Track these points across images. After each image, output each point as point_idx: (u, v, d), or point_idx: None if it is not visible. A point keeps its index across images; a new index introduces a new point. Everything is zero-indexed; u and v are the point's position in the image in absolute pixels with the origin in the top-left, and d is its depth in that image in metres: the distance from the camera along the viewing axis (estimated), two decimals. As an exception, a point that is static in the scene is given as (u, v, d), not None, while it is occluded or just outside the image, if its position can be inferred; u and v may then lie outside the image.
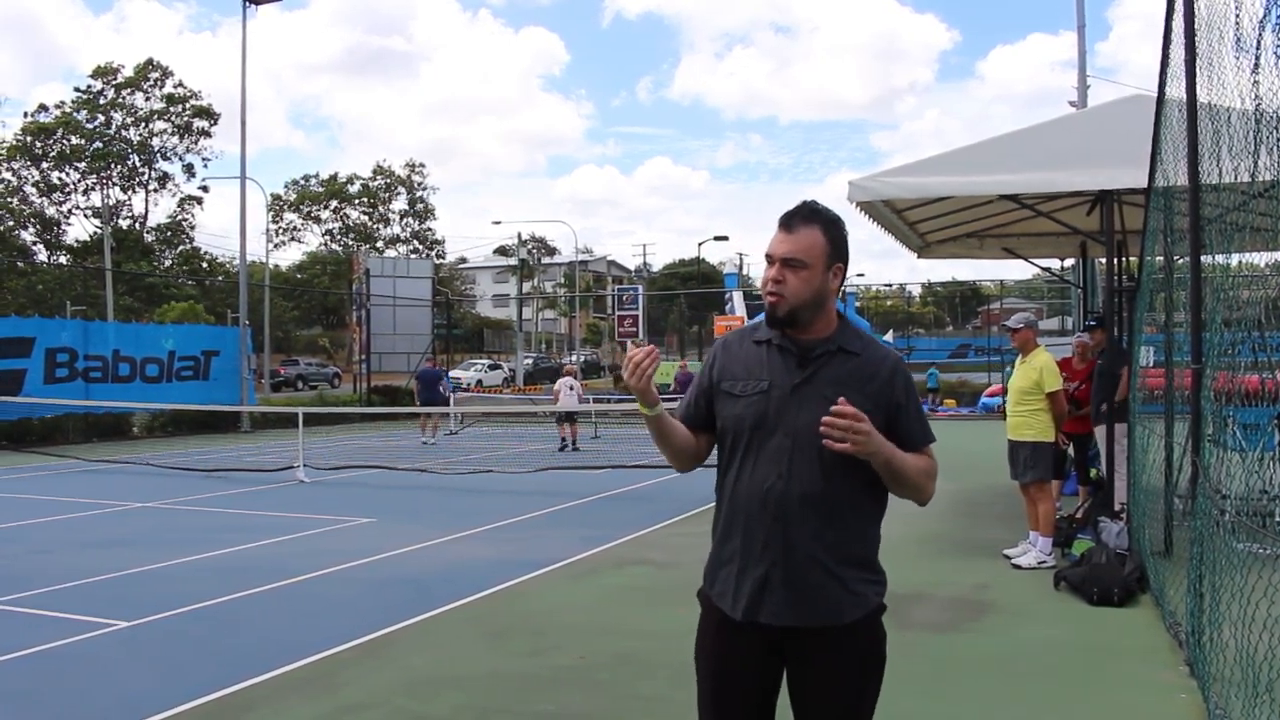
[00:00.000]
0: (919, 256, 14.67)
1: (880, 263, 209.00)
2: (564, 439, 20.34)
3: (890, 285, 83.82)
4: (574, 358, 51.03)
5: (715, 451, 2.89)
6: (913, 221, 12.46)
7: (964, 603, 7.46)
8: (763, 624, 2.67)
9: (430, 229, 72.34)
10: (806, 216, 2.70)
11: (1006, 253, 14.72)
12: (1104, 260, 11.57)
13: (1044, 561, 8.35)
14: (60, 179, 53.79)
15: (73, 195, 54.65)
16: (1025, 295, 77.91)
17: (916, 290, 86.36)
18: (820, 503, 2.63)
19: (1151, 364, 9.42)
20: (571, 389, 21.16)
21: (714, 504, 2.87)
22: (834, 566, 2.67)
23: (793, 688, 2.77)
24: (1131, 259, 11.58)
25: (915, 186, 9.66)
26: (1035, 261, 16.16)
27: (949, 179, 9.50)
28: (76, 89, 54.34)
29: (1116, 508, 9.01)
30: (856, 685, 2.73)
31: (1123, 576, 7.33)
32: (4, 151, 50.93)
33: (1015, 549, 8.65)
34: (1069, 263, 19.66)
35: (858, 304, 39.66)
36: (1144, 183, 7.99)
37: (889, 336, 50.80)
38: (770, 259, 2.71)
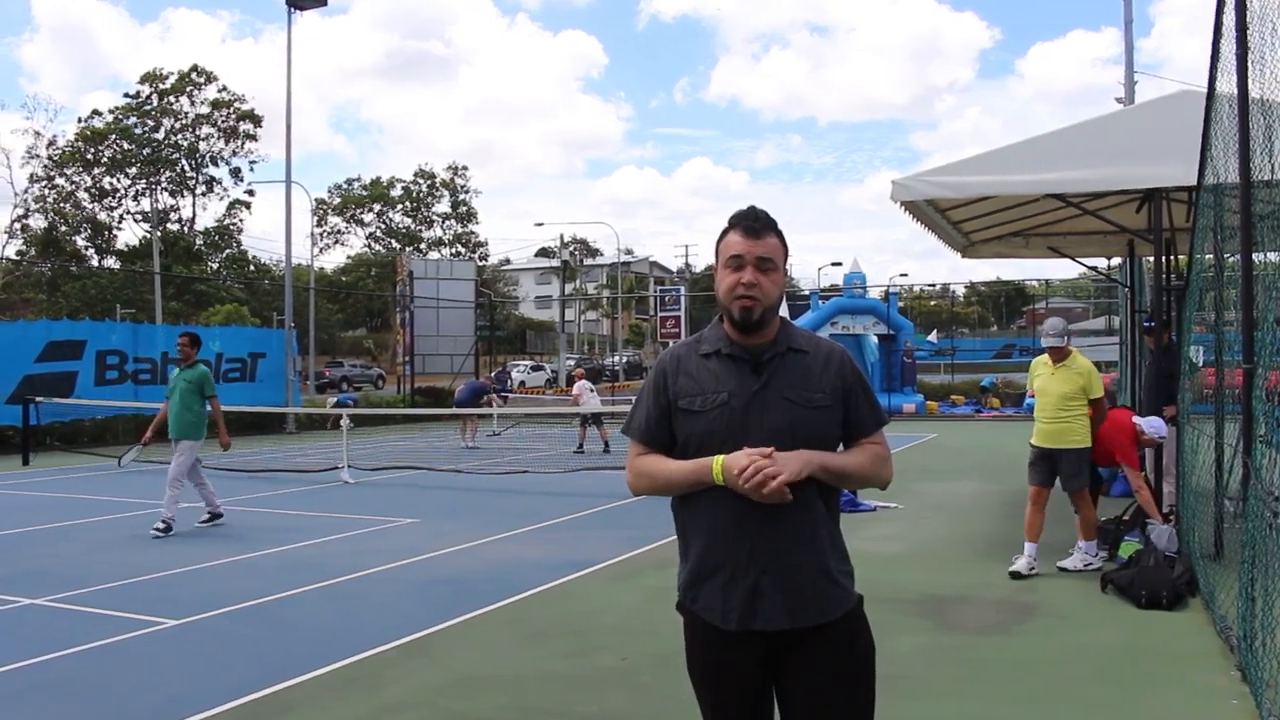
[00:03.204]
0: (963, 256, 14.54)
1: (922, 263, 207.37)
2: (582, 443, 20.40)
3: (933, 285, 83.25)
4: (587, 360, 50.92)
5: None
6: (957, 221, 12.34)
7: (1009, 605, 7.37)
8: (756, 631, 2.68)
9: (473, 231, 72.71)
10: (765, 222, 2.76)
11: (1052, 252, 14.57)
12: (1152, 259, 11.41)
13: (1089, 564, 8.25)
14: (111, 184, 54.64)
15: (123, 200, 55.54)
16: (1071, 295, 77.20)
17: (960, 290, 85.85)
18: (797, 505, 2.63)
19: (1201, 364, 9.26)
20: (592, 391, 21.21)
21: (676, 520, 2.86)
22: (820, 564, 2.71)
23: (789, 690, 2.76)
24: (1180, 257, 11.42)
25: (960, 186, 9.56)
26: (1081, 260, 15.98)
27: (994, 178, 9.39)
28: (126, 95, 55.21)
29: (1165, 510, 8.88)
30: (856, 677, 2.76)
31: (1172, 579, 7.21)
32: (59, 158, 51.71)
33: (1068, 559, 8.45)
34: (1116, 261, 19.39)
35: (900, 304, 39.36)
36: (1193, 180, 7.87)
37: (933, 336, 50.39)
38: (740, 261, 2.71)
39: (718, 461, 2.60)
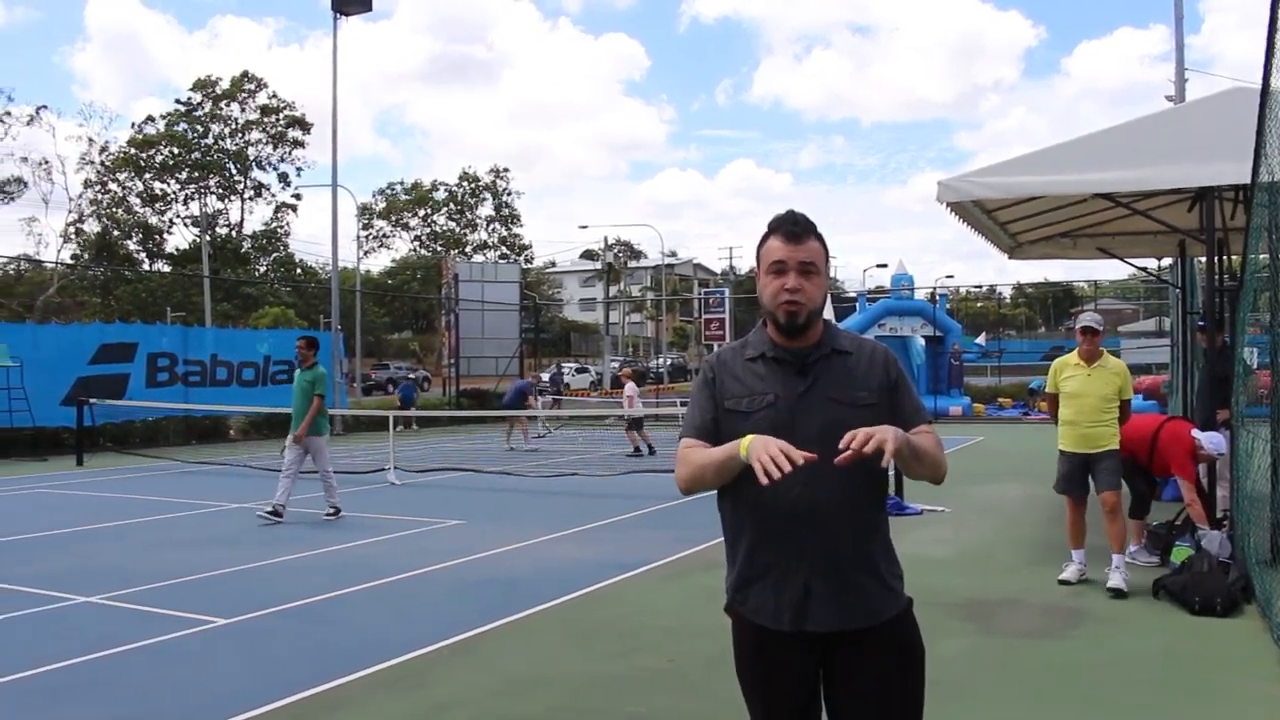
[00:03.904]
0: (1010, 257, 14.40)
1: (968, 264, 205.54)
2: (638, 447, 20.30)
3: (980, 287, 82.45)
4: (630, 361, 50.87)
5: None
6: (1004, 222, 12.23)
7: (1058, 610, 7.29)
8: (808, 632, 2.68)
9: (517, 234, 72.98)
10: (805, 226, 2.76)
11: (1101, 252, 14.38)
12: (1204, 259, 11.25)
13: (1134, 560, 8.11)
14: (162, 189, 55.46)
15: (173, 204, 56.34)
16: (1120, 296, 76.21)
17: (1007, 291, 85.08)
18: (847, 504, 2.65)
19: (1256, 366, 9.11)
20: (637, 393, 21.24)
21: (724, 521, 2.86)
22: (869, 565, 2.72)
23: (838, 693, 2.75)
24: (1234, 257, 11.25)
25: (1007, 186, 9.46)
26: (1131, 261, 15.76)
27: (1042, 178, 9.28)
28: (177, 101, 56.03)
29: (1219, 514, 8.75)
30: (906, 681, 2.75)
31: (1226, 585, 7.10)
32: (111, 163, 52.55)
33: (1067, 571, 8.09)
34: (1166, 262, 19.14)
35: (947, 306, 39.05)
36: (1247, 178, 7.75)
37: (980, 339, 49.95)
38: (783, 266, 2.72)
39: (745, 440, 2.58)
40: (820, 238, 2.78)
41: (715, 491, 2.83)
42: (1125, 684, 5.70)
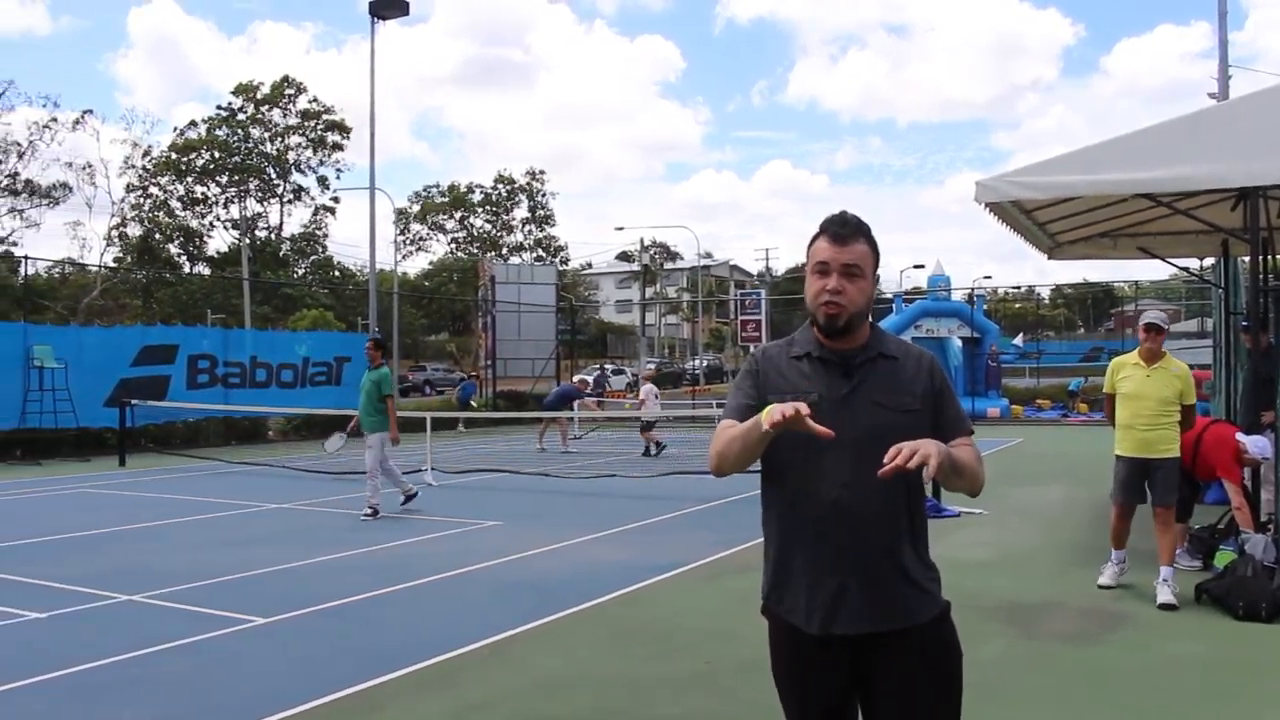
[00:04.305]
0: (1049, 257, 14.26)
1: (1005, 265, 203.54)
2: (648, 446, 20.35)
3: (1018, 288, 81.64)
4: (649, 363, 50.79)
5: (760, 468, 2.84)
6: (1043, 222, 12.11)
7: (1099, 613, 7.22)
8: (839, 635, 2.68)
9: (553, 236, 73.14)
10: (854, 227, 2.74)
11: (1142, 252, 14.21)
12: (1248, 258, 11.09)
13: (1176, 564, 8.01)
14: (203, 192, 56.08)
15: (214, 208, 56.96)
16: (1161, 296, 75.40)
17: (1046, 292, 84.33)
18: (885, 508, 2.65)
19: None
20: (656, 397, 21.21)
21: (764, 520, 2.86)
22: (906, 569, 2.71)
23: (874, 695, 2.74)
24: (1279, 256, 11.09)
25: (1046, 186, 9.35)
26: (1172, 261, 15.58)
27: (1082, 178, 9.16)
28: (219, 106, 56.66)
29: (1263, 518, 8.62)
30: (942, 685, 2.74)
31: (1271, 589, 6.99)
32: (153, 167, 53.16)
33: (1106, 574, 7.93)
34: (1209, 262, 18.89)
35: (985, 307, 38.74)
36: (1293, 177, 7.64)
37: (1018, 340, 49.56)
38: (826, 268, 2.71)
39: (765, 411, 2.56)
40: (870, 240, 2.77)
41: (760, 493, 2.85)
42: (1166, 691, 5.63)
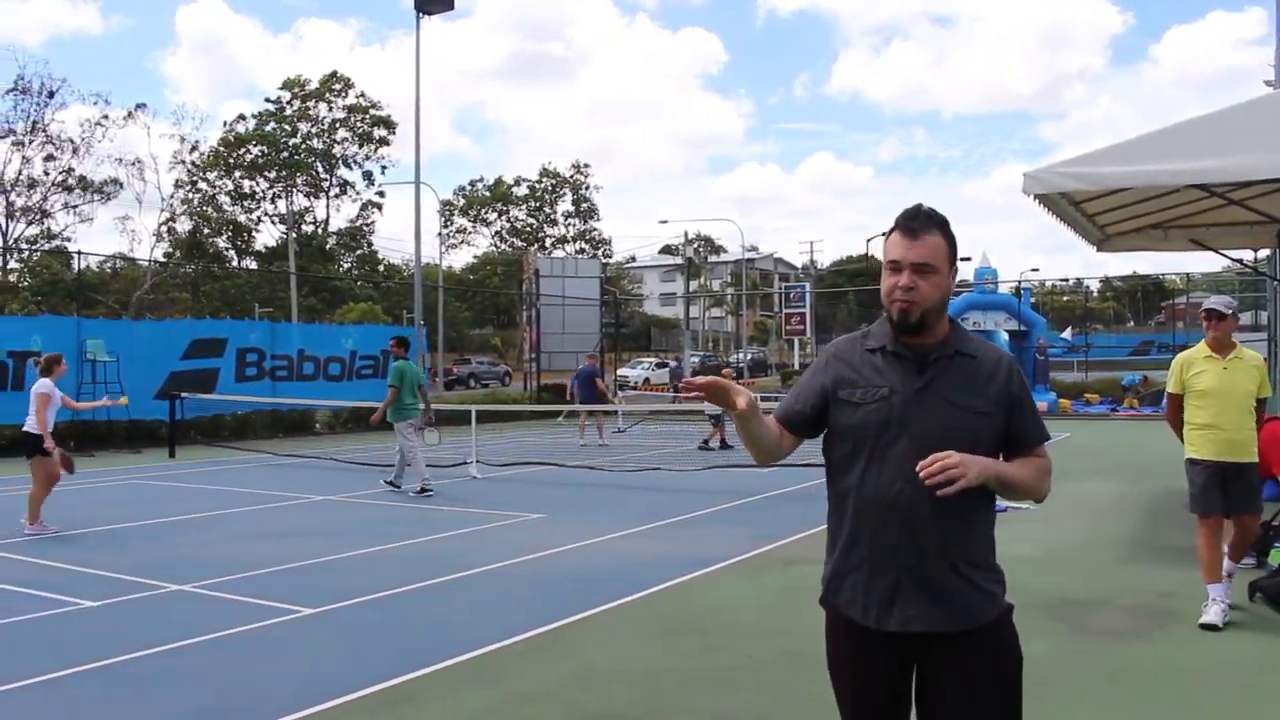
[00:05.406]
0: (1098, 250, 14.05)
1: (1052, 258, 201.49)
2: (708, 440, 20.28)
3: (1066, 280, 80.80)
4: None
5: (825, 458, 2.84)
6: (1092, 214, 11.94)
7: (1148, 610, 7.12)
8: (895, 631, 2.65)
9: (596, 229, 73.27)
10: (926, 221, 2.69)
11: (1194, 244, 13.97)
12: (1304, 251, 10.90)
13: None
14: (251, 187, 56.71)
15: (261, 203, 57.61)
16: (1213, 289, 74.22)
17: (1094, 285, 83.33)
18: (949, 506, 2.59)
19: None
20: None
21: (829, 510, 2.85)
22: (965, 569, 2.67)
23: (929, 695, 2.71)
24: (1335, 249, 10.88)
25: (1096, 177, 9.21)
26: (1226, 253, 15.32)
27: (1133, 168, 9.02)
28: (267, 100, 57.27)
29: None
30: (999, 689, 2.68)
31: (1326, 587, 6.87)
32: (202, 163, 53.80)
33: (1210, 613, 6.63)
34: (1264, 253, 18.58)
35: (1032, 300, 38.36)
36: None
37: (1066, 333, 49.01)
38: (898, 265, 2.67)
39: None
40: (946, 232, 2.70)
41: (825, 483, 2.85)
42: (1216, 690, 5.55)
